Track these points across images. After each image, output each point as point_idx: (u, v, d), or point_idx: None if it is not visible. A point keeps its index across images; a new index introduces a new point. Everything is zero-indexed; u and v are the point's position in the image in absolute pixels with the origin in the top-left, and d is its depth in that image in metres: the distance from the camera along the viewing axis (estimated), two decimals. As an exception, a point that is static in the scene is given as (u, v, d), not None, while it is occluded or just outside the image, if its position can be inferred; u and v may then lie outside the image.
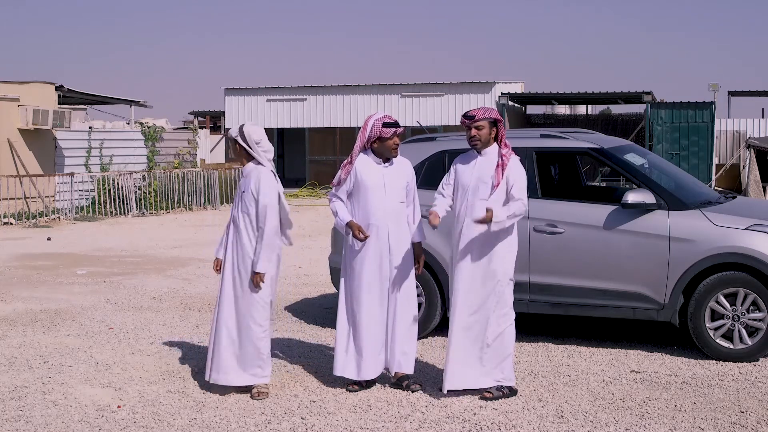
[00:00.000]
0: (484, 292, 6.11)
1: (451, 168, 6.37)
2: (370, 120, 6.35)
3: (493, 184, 6.07)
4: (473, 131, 6.17)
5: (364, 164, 6.36)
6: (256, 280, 6.19)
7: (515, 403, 6.03)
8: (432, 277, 7.82)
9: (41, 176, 21.19)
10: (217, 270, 6.45)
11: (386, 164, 6.38)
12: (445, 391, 6.14)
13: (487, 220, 5.91)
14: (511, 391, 6.19)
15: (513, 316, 6.21)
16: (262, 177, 6.23)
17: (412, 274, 6.47)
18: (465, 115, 6.21)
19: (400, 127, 6.35)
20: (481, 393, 6.12)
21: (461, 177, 6.25)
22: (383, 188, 6.32)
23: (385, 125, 6.28)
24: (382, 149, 6.35)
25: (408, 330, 6.42)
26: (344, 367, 6.36)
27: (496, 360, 6.13)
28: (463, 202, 6.18)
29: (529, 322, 8.42)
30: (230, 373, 6.28)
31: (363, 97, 31.79)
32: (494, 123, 6.16)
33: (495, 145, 6.20)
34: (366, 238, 6.25)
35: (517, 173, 6.11)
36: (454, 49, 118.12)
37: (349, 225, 6.32)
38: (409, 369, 6.43)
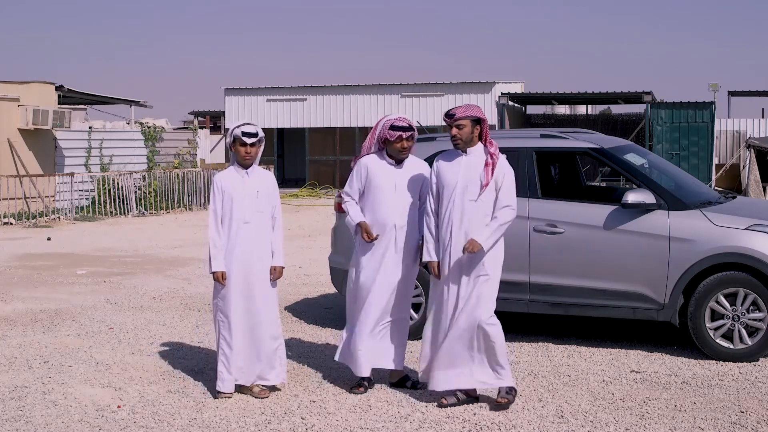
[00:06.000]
0: (471, 292, 5.96)
1: (432, 174, 6.16)
2: (382, 120, 6.34)
3: (482, 184, 5.93)
4: (454, 130, 6.00)
5: (375, 164, 6.34)
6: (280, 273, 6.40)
7: (515, 403, 6.02)
8: (432, 277, 7.81)
9: (41, 176, 21.18)
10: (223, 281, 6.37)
11: (398, 166, 6.33)
12: (435, 390, 6.06)
13: (474, 251, 5.84)
14: (513, 390, 6.15)
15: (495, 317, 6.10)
16: (272, 176, 6.47)
17: (413, 275, 6.45)
18: (446, 114, 6.07)
19: (410, 131, 6.25)
20: (494, 402, 5.99)
21: (445, 176, 6.05)
22: (393, 188, 6.29)
23: (392, 128, 6.23)
24: (390, 151, 6.33)
25: (399, 330, 6.40)
26: (359, 364, 6.33)
27: (490, 359, 6.02)
28: (449, 202, 5.99)
29: (529, 322, 8.42)
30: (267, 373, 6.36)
31: (363, 97, 31.80)
32: (477, 121, 6.00)
33: (480, 145, 6.05)
34: (372, 239, 6.24)
35: (506, 174, 5.98)
36: (454, 49, 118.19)
37: (359, 225, 6.31)
38: (400, 366, 6.42)
